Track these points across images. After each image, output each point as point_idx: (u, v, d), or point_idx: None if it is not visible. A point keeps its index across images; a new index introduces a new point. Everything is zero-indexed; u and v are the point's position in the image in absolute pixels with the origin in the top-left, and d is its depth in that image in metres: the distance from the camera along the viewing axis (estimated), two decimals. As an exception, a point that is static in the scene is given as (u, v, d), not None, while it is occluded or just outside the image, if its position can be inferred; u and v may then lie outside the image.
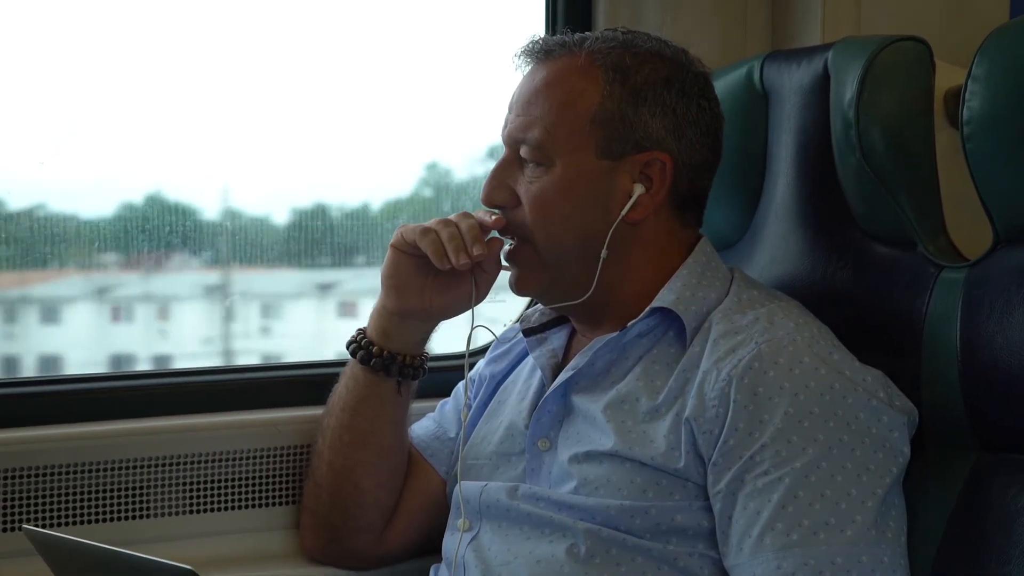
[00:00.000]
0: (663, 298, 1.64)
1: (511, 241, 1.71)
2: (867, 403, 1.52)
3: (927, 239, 1.65)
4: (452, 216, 1.71)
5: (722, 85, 1.87)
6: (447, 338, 1.87)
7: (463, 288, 1.73)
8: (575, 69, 1.67)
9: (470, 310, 1.74)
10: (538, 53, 1.71)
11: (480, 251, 1.66)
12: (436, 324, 1.79)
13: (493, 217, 1.69)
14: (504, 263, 1.72)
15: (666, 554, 1.54)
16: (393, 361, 1.77)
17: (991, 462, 1.55)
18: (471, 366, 1.82)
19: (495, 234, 1.71)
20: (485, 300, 1.76)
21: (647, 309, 1.64)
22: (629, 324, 1.65)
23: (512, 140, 1.69)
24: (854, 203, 1.72)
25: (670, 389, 1.59)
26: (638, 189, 1.66)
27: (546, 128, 1.65)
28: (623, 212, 1.65)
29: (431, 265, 1.70)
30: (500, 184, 1.70)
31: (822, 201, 1.77)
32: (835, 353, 1.56)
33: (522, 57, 1.72)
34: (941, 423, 1.59)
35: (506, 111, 1.72)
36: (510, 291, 1.75)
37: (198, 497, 1.89)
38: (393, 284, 1.75)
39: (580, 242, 1.66)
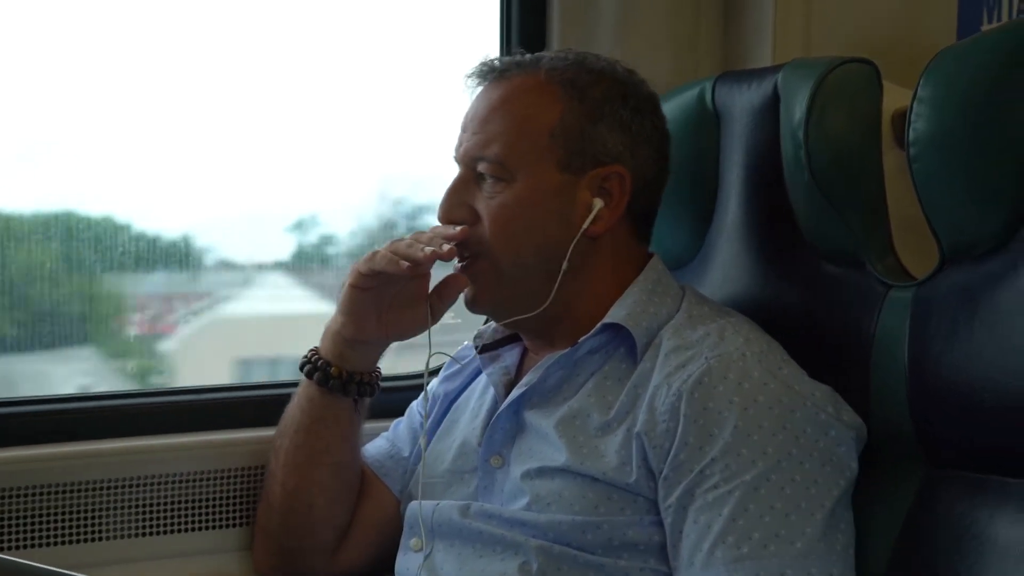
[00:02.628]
0: (614, 314, 1.65)
1: (465, 260, 1.70)
2: (815, 417, 1.53)
3: (875, 258, 1.67)
4: (404, 236, 1.71)
5: (674, 105, 1.88)
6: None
7: (419, 311, 1.73)
8: (533, 86, 1.69)
9: (426, 331, 1.74)
10: (491, 73, 1.73)
11: (449, 247, 1.66)
12: (390, 344, 1.79)
13: (458, 228, 1.68)
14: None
15: (617, 569, 1.55)
16: (351, 381, 1.77)
17: (939, 478, 1.56)
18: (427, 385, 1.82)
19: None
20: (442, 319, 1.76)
21: (598, 325, 1.65)
22: (580, 340, 1.66)
23: (468, 158, 1.70)
24: (804, 223, 1.73)
25: (621, 404, 1.60)
26: (598, 203, 1.67)
27: (507, 144, 1.67)
28: (585, 225, 1.66)
29: (386, 292, 1.70)
30: (458, 202, 1.70)
31: (773, 221, 1.78)
32: (784, 368, 1.57)
33: (473, 78, 1.73)
34: (889, 439, 1.60)
35: (459, 131, 1.73)
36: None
37: (151, 519, 1.88)
38: (351, 319, 1.75)
39: (540, 256, 1.67)
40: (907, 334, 1.59)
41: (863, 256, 1.68)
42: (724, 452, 1.50)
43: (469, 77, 1.75)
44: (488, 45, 2.21)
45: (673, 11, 2.18)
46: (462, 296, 1.74)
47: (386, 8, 2.32)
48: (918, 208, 1.58)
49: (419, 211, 2.45)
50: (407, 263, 1.66)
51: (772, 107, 1.76)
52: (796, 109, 1.69)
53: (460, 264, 1.71)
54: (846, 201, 1.68)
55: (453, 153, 1.73)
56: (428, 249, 1.65)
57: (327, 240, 2.43)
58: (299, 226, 2.38)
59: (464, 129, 1.73)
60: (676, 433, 1.52)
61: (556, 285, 1.66)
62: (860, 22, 2.11)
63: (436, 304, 1.73)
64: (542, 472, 1.61)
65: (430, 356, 1.74)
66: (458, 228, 1.69)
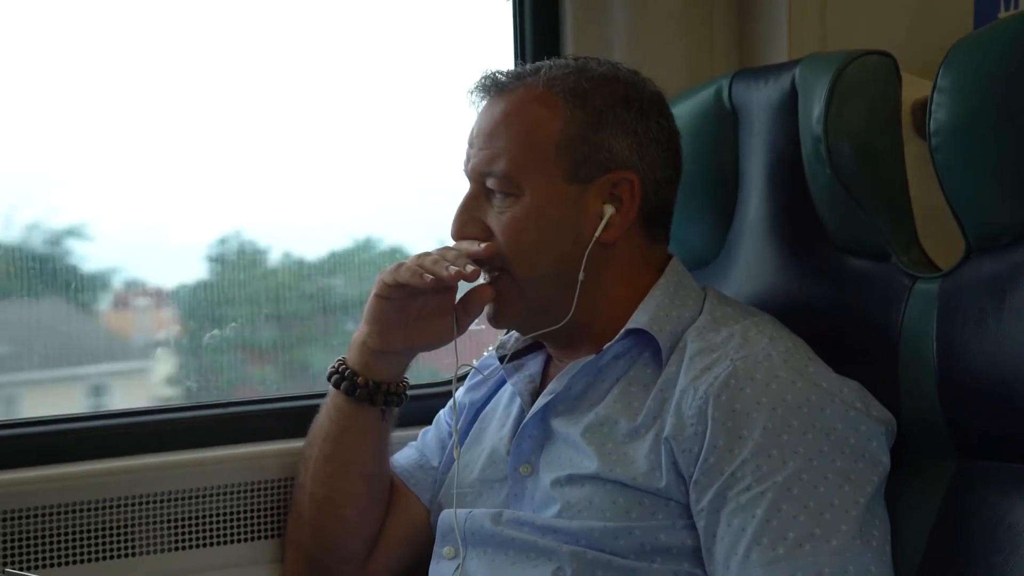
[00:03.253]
0: (637, 319, 1.65)
1: (486, 277, 1.71)
2: (845, 414, 1.53)
3: (900, 251, 1.66)
4: (432, 250, 1.71)
5: (691, 104, 1.88)
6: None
7: (445, 322, 1.73)
8: (534, 98, 1.69)
9: (453, 342, 1.74)
10: (492, 87, 1.72)
11: (473, 268, 1.66)
12: (416, 355, 1.80)
13: (482, 245, 1.68)
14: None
15: (651, 573, 1.54)
16: (378, 390, 1.78)
17: (971, 470, 1.55)
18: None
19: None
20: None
21: (622, 331, 1.65)
22: (605, 347, 1.65)
23: (477, 174, 1.70)
24: (826, 217, 1.73)
25: (648, 410, 1.59)
26: (609, 210, 1.67)
27: (512, 158, 1.67)
28: (597, 234, 1.66)
29: (412, 304, 1.71)
30: (470, 218, 1.70)
31: (795, 216, 1.78)
32: (811, 366, 1.56)
33: (476, 92, 1.73)
34: (920, 433, 1.60)
35: (466, 146, 1.73)
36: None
37: (183, 534, 1.89)
38: (377, 329, 1.75)
39: (556, 267, 1.67)
40: (935, 326, 1.58)
41: (887, 249, 1.67)
42: (754, 453, 1.49)
43: (472, 92, 1.74)
44: (503, 52, 2.21)
45: (686, 11, 2.18)
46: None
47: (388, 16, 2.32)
48: (942, 198, 1.58)
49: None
50: (431, 277, 1.66)
51: (790, 103, 1.75)
52: (815, 104, 1.68)
53: (487, 280, 1.71)
54: (868, 194, 1.67)
55: (463, 168, 1.73)
56: (452, 269, 1.65)
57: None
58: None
59: (471, 144, 1.73)
60: (705, 436, 1.52)
61: (576, 295, 1.66)
62: (876, 14, 2.11)
63: (461, 316, 1.73)
64: (572, 480, 1.61)
65: (457, 367, 1.74)
66: (483, 245, 1.68)
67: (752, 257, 1.84)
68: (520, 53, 2.19)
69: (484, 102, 1.73)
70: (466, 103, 1.75)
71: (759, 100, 1.81)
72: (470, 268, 1.66)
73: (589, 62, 1.72)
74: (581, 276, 1.66)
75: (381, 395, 1.78)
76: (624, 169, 1.67)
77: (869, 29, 2.08)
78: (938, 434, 1.58)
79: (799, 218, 1.77)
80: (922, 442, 1.60)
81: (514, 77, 1.71)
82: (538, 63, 1.72)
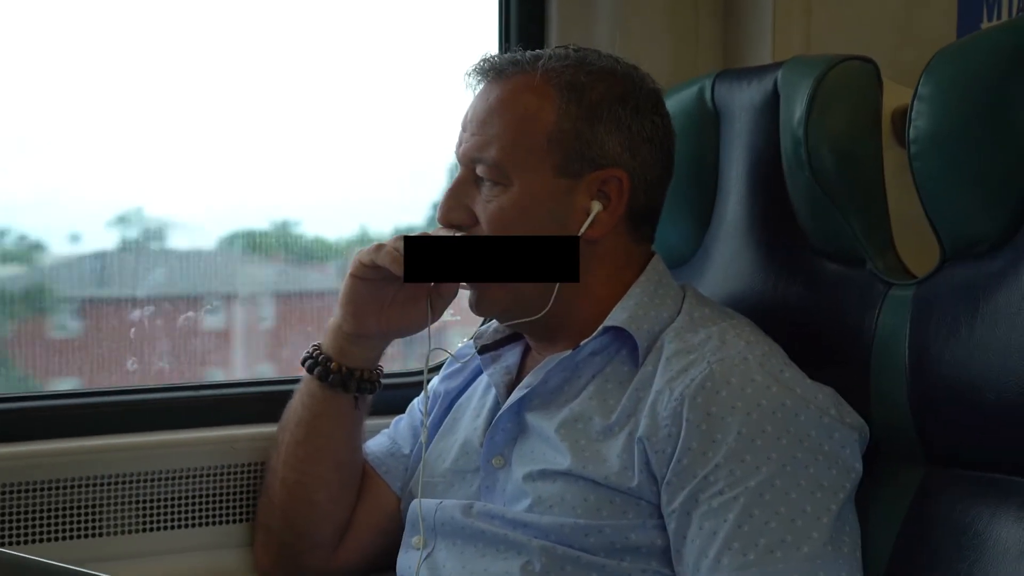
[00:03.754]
0: (616, 317, 1.65)
1: None
2: (819, 420, 1.53)
3: (876, 256, 1.67)
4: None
5: (673, 103, 1.88)
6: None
7: (420, 309, 1.73)
8: (530, 88, 1.68)
9: (426, 329, 1.74)
10: (490, 72, 1.71)
11: None
12: (391, 341, 1.80)
13: (459, 235, 1.68)
14: (463, 284, 1.72)
15: (620, 571, 1.55)
16: (351, 376, 1.77)
17: (940, 477, 1.57)
18: (428, 383, 1.82)
19: None
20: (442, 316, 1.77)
21: (600, 328, 1.65)
22: (582, 343, 1.66)
23: (467, 159, 1.70)
24: (804, 220, 1.74)
25: (623, 408, 1.60)
26: (596, 207, 1.67)
27: (503, 147, 1.66)
28: (582, 230, 1.66)
29: (388, 288, 1.71)
30: (457, 204, 1.70)
31: (773, 218, 1.78)
32: (786, 371, 1.57)
33: (473, 76, 1.73)
34: (890, 439, 1.61)
35: (460, 130, 1.73)
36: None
37: (153, 515, 1.89)
38: (351, 310, 1.75)
39: None
40: (907, 332, 1.59)
41: (863, 254, 1.68)
42: (728, 457, 1.50)
43: (469, 75, 1.74)
44: (487, 42, 2.21)
45: (672, 9, 2.18)
46: (463, 293, 1.74)
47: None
48: (919, 206, 1.59)
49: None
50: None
51: (772, 105, 1.76)
52: (796, 107, 1.69)
53: None
54: (846, 199, 1.68)
55: (454, 151, 1.73)
56: None
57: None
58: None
59: (464, 128, 1.72)
60: (679, 438, 1.52)
61: (556, 289, 1.66)
62: (860, 20, 2.12)
63: (436, 302, 1.73)
64: (544, 475, 1.61)
65: (429, 353, 1.74)
66: (460, 234, 1.68)
67: (729, 257, 1.85)
68: (505, 44, 2.18)
69: (480, 86, 1.72)
70: (462, 85, 1.74)
71: (741, 101, 1.82)
72: None
73: (589, 55, 1.71)
74: None
75: (355, 382, 1.78)
76: (614, 167, 1.67)
77: (853, 34, 2.08)
78: (907, 440, 1.59)
79: (777, 220, 1.78)
80: (891, 448, 1.61)
81: (512, 63, 1.70)
82: (538, 52, 1.71)
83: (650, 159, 1.69)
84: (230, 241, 2.28)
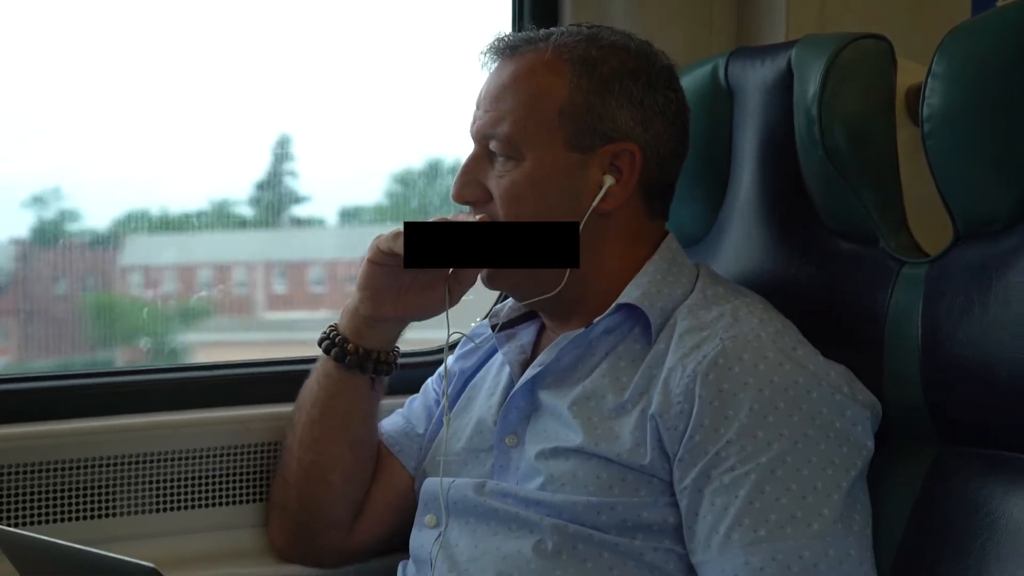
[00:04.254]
0: (629, 294, 1.65)
1: None
2: (831, 397, 1.53)
3: (889, 235, 1.67)
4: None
5: (687, 82, 1.87)
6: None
7: (437, 293, 1.73)
8: (542, 64, 1.68)
9: (445, 313, 1.74)
10: (504, 50, 1.72)
11: None
12: (408, 323, 1.80)
13: (477, 217, 1.69)
14: None
15: (632, 549, 1.55)
16: (368, 358, 1.78)
17: (952, 455, 1.56)
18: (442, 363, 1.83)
19: None
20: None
21: (613, 305, 1.65)
22: (595, 320, 1.66)
23: (481, 135, 1.70)
24: (817, 199, 1.73)
25: (636, 385, 1.60)
26: (608, 180, 1.67)
27: (515, 122, 1.66)
28: (595, 203, 1.66)
29: (405, 273, 1.71)
30: (471, 180, 1.70)
31: (786, 197, 1.78)
32: (799, 348, 1.57)
33: (488, 54, 1.73)
34: (903, 417, 1.61)
35: (473, 107, 1.73)
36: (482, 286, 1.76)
37: (165, 495, 1.89)
38: (369, 295, 1.75)
39: None
40: (920, 311, 1.59)
41: (876, 232, 1.68)
42: (740, 434, 1.50)
43: (482, 53, 1.74)
44: (501, 22, 2.21)
45: (686, -13, 2.18)
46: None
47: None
48: (932, 185, 1.58)
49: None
50: None
51: (786, 83, 1.75)
52: (810, 85, 1.69)
53: None
54: (859, 177, 1.68)
55: (468, 129, 1.73)
56: None
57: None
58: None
59: (477, 106, 1.72)
60: (691, 415, 1.52)
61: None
62: (874, -2, 2.11)
63: (454, 286, 1.73)
64: (556, 452, 1.61)
65: (448, 336, 1.74)
66: (478, 217, 1.68)
67: (742, 236, 1.84)
68: (518, 22, 2.18)
69: (494, 64, 1.72)
70: (477, 64, 1.74)
71: (755, 80, 1.81)
72: None
73: (601, 31, 1.71)
74: None
75: (371, 363, 1.78)
76: (626, 140, 1.67)
77: (867, 12, 2.08)
78: (920, 419, 1.59)
79: (790, 199, 1.77)
80: (904, 426, 1.61)
81: (525, 41, 1.71)
82: (551, 29, 1.72)
83: (663, 133, 1.69)
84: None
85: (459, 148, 1.77)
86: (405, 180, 2.42)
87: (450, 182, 1.74)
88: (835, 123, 1.67)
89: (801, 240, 1.76)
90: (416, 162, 2.36)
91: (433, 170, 2.36)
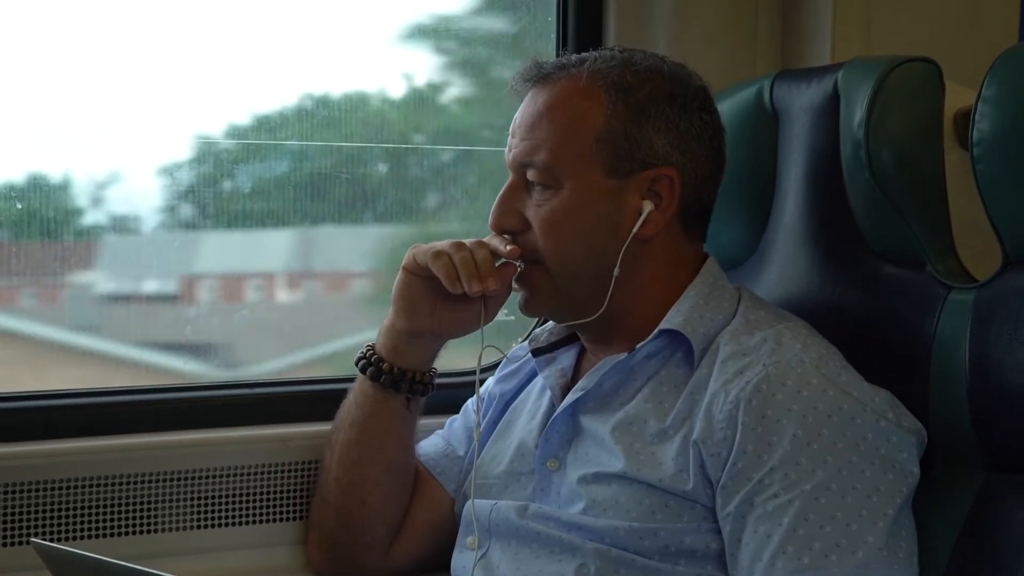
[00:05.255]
0: (671, 320, 1.64)
1: (520, 265, 1.70)
2: (875, 424, 1.52)
3: (936, 260, 1.66)
4: (467, 241, 1.71)
5: (731, 104, 1.87)
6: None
7: (473, 308, 1.73)
8: (577, 90, 1.68)
9: (479, 330, 1.74)
10: (537, 77, 1.71)
11: (494, 286, 1.67)
12: (445, 342, 1.80)
13: (508, 248, 1.68)
14: (514, 285, 1.72)
15: (674, 575, 1.54)
16: (403, 378, 1.78)
17: (999, 483, 1.55)
18: (481, 383, 1.82)
19: None
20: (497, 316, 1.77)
21: (655, 331, 1.64)
22: (637, 346, 1.65)
23: (518, 164, 1.70)
24: (863, 223, 1.72)
25: (678, 411, 1.59)
26: (647, 206, 1.66)
27: (552, 150, 1.66)
28: (635, 229, 1.65)
29: (442, 286, 1.71)
30: (508, 209, 1.70)
31: (831, 221, 1.77)
32: (843, 374, 1.56)
33: (520, 82, 1.73)
34: (949, 444, 1.59)
35: (509, 136, 1.73)
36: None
37: (206, 512, 1.90)
38: (404, 306, 1.75)
39: (592, 262, 1.66)
40: (968, 337, 1.58)
41: (923, 257, 1.66)
42: (783, 461, 1.49)
43: (516, 81, 1.74)
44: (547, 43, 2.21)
45: (731, 8, 2.17)
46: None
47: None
48: (980, 210, 1.57)
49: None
50: (460, 288, 1.67)
51: (832, 106, 1.74)
52: (857, 108, 1.68)
53: (518, 270, 1.71)
54: (907, 202, 1.67)
55: (505, 158, 1.73)
56: (476, 288, 1.66)
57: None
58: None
59: (513, 135, 1.72)
60: (734, 441, 1.51)
61: (610, 290, 1.65)
62: (921, 21, 2.10)
63: (490, 302, 1.73)
64: (599, 477, 1.61)
65: (482, 353, 1.74)
66: (509, 248, 1.68)
67: (786, 259, 1.83)
68: (562, 45, 2.18)
69: (528, 92, 1.72)
70: (511, 93, 1.74)
71: (801, 102, 1.81)
72: (492, 287, 1.66)
73: (635, 55, 1.71)
74: (616, 271, 1.65)
75: (406, 383, 1.78)
76: (664, 165, 1.66)
77: (914, 35, 2.07)
78: (967, 446, 1.58)
79: (835, 223, 1.76)
80: (951, 453, 1.59)
81: (558, 68, 1.70)
82: (583, 54, 1.71)
83: (700, 156, 1.68)
84: None
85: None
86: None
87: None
88: (882, 147, 1.66)
89: (846, 264, 1.75)
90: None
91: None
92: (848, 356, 1.61)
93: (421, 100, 2.34)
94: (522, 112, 1.72)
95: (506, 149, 1.72)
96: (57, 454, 1.82)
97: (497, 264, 1.69)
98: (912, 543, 1.51)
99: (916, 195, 1.67)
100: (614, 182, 1.66)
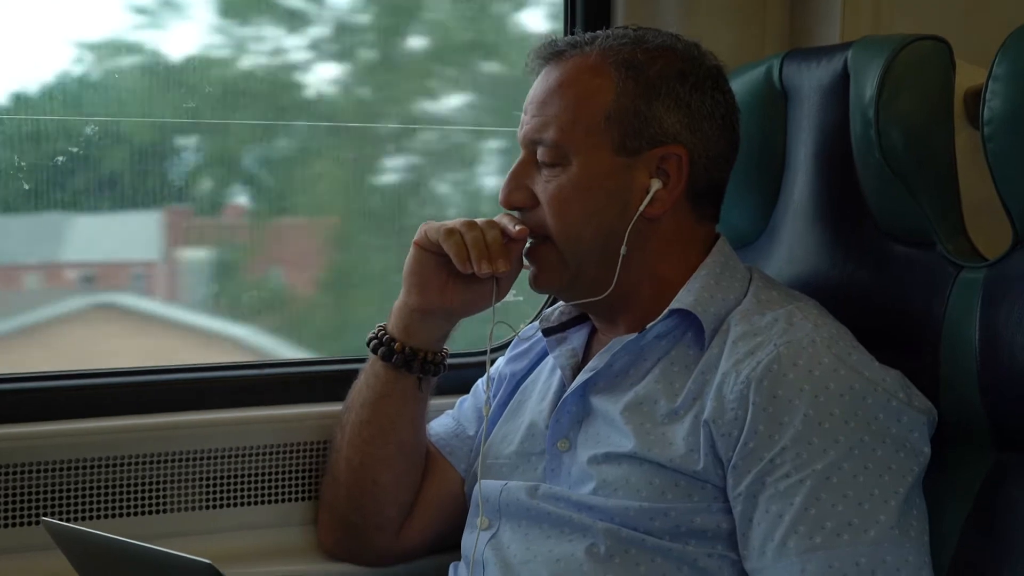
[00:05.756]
0: (682, 299, 1.64)
1: (531, 240, 1.71)
2: (887, 404, 1.52)
3: (946, 239, 1.65)
4: (478, 220, 1.71)
5: (741, 83, 1.87)
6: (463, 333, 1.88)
7: (484, 287, 1.73)
8: (587, 68, 1.68)
9: (491, 308, 1.75)
10: (549, 55, 1.71)
11: (504, 267, 1.68)
12: (457, 321, 1.80)
13: (517, 228, 1.69)
14: (525, 261, 1.72)
15: (685, 555, 1.55)
16: (415, 357, 1.78)
17: (1010, 463, 1.55)
18: (492, 363, 1.82)
19: None
20: (506, 296, 1.77)
21: (666, 311, 1.64)
22: (648, 326, 1.65)
23: (528, 141, 1.70)
24: (873, 202, 1.72)
25: (688, 391, 1.59)
26: (655, 184, 1.66)
27: (561, 127, 1.66)
28: (641, 207, 1.65)
29: (452, 263, 1.71)
30: (518, 185, 1.70)
31: (841, 200, 1.77)
32: (854, 354, 1.56)
33: (534, 59, 1.73)
34: (960, 423, 1.59)
35: (522, 113, 1.73)
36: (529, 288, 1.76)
37: (217, 492, 1.91)
38: (415, 282, 1.76)
39: (600, 240, 1.66)
40: (978, 316, 1.57)
41: (933, 236, 1.66)
42: (795, 441, 1.49)
43: (530, 58, 1.73)
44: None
45: (740, -11, 2.17)
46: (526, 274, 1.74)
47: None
48: (990, 188, 1.57)
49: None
50: (470, 268, 1.68)
51: (842, 85, 1.74)
52: (867, 87, 1.67)
53: (527, 246, 1.72)
54: (917, 181, 1.66)
55: (517, 134, 1.73)
56: (486, 269, 1.67)
57: None
58: None
59: (525, 112, 1.72)
60: (745, 421, 1.51)
61: (617, 269, 1.66)
62: (931, -1, 2.09)
63: (502, 280, 1.73)
64: (609, 457, 1.61)
65: (492, 330, 1.74)
66: (518, 227, 1.69)
67: (795, 239, 1.83)
68: (570, 23, 2.18)
69: (542, 69, 1.72)
70: (527, 70, 1.74)
71: (810, 81, 1.80)
72: (502, 269, 1.67)
73: (648, 33, 1.70)
74: (623, 250, 1.65)
75: (418, 363, 1.78)
76: (673, 144, 1.66)
77: (924, 13, 2.05)
78: (977, 425, 1.58)
79: (845, 201, 1.76)
80: (961, 433, 1.59)
81: (570, 45, 1.70)
82: (596, 32, 1.71)
83: (711, 135, 1.68)
84: None
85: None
86: None
87: None
88: (892, 126, 1.65)
89: (856, 243, 1.75)
90: None
91: None
92: (858, 335, 1.61)
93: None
94: (534, 89, 1.72)
95: (519, 126, 1.72)
96: (69, 434, 1.83)
97: (505, 242, 1.69)
98: (923, 522, 1.51)
99: (926, 174, 1.66)
100: (623, 160, 1.66)
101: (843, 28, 2.07)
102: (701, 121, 1.67)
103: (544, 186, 1.68)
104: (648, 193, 1.66)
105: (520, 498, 1.67)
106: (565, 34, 1.96)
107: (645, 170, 1.66)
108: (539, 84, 1.71)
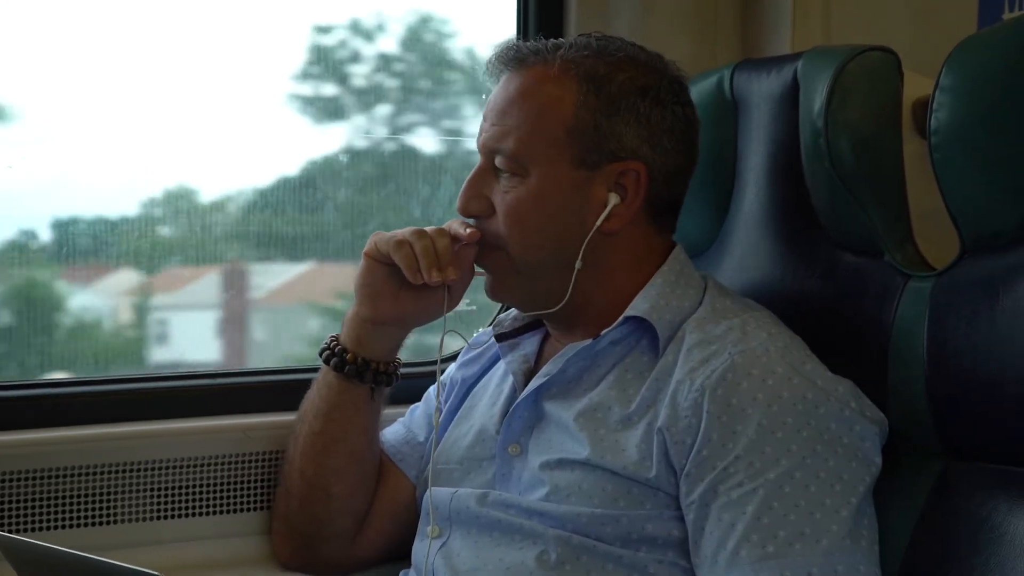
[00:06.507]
0: (637, 307, 1.65)
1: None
2: (839, 413, 1.53)
3: (894, 248, 1.67)
4: (428, 229, 1.70)
5: (692, 94, 1.86)
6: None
7: (436, 295, 1.73)
8: (549, 78, 1.67)
9: (443, 317, 1.74)
10: (512, 61, 1.70)
11: (454, 275, 1.67)
12: (409, 330, 1.79)
13: (468, 231, 1.68)
14: (477, 268, 1.72)
15: (636, 562, 1.55)
16: (367, 368, 1.77)
17: (958, 471, 1.56)
18: (443, 371, 1.82)
19: None
20: (458, 306, 1.77)
21: (621, 318, 1.64)
22: (603, 332, 1.65)
23: (487, 149, 1.69)
24: (822, 211, 1.73)
25: (643, 398, 1.59)
26: (613, 199, 1.66)
27: (520, 138, 1.65)
28: (599, 222, 1.65)
29: (401, 272, 1.70)
30: (476, 194, 1.69)
31: (791, 209, 1.78)
32: (808, 363, 1.56)
33: (495, 65, 1.72)
34: (908, 432, 1.60)
35: (481, 119, 1.72)
36: (484, 296, 1.76)
37: (167, 503, 1.89)
38: (367, 292, 1.75)
39: (554, 252, 1.66)
40: (926, 325, 1.58)
41: (882, 246, 1.67)
42: (748, 449, 1.49)
43: (491, 63, 1.73)
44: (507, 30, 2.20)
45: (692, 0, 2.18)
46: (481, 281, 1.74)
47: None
48: (938, 198, 1.58)
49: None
50: (420, 279, 1.68)
51: (791, 95, 1.75)
52: (816, 97, 1.68)
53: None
54: (865, 190, 1.67)
55: (476, 141, 1.72)
56: (436, 278, 1.67)
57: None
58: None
59: (485, 118, 1.71)
60: (699, 429, 1.52)
61: (572, 282, 1.65)
62: (880, 10, 2.11)
63: (453, 288, 1.73)
64: (562, 464, 1.61)
65: (443, 339, 1.74)
66: (469, 230, 1.68)
67: (746, 248, 1.84)
68: (523, 32, 2.18)
69: (503, 76, 1.71)
70: (487, 75, 1.73)
71: (760, 91, 1.81)
72: (451, 277, 1.67)
73: (611, 43, 1.69)
74: (579, 264, 1.65)
75: (371, 373, 1.78)
76: (632, 159, 1.65)
77: (873, 25, 2.08)
78: (925, 433, 1.59)
79: (795, 211, 1.77)
80: (909, 441, 1.60)
81: (532, 53, 1.69)
82: (559, 40, 1.70)
83: (670, 150, 1.68)
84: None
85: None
86: None
87: None
88: (841, 135, 1.67)
89: (806, 252, 1.76)
90: None
91: None
92: (808, 343, 1.62)
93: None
94: (495, 96, 1.71)
95: (478, 133, 1.72)
96: (14, 445, 1.81)
97: (456, 248, 1.69)
98: (874, 531, 1.51)
99: (874, 184, 1.68)
100: (581, 173, 1.65)
101: (793, 39, 2.09)
102: (661, 136, 1.67)
103: (502, 196, 1.67)
104: (606, 208, 1.66)
105: (470, 506, 1.66)
106: (517, 39, 1.96)
107: (603, 185, 1.66)
108: (500, 91, 1.70)
